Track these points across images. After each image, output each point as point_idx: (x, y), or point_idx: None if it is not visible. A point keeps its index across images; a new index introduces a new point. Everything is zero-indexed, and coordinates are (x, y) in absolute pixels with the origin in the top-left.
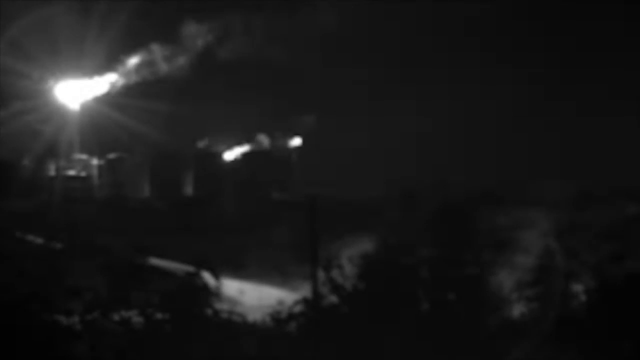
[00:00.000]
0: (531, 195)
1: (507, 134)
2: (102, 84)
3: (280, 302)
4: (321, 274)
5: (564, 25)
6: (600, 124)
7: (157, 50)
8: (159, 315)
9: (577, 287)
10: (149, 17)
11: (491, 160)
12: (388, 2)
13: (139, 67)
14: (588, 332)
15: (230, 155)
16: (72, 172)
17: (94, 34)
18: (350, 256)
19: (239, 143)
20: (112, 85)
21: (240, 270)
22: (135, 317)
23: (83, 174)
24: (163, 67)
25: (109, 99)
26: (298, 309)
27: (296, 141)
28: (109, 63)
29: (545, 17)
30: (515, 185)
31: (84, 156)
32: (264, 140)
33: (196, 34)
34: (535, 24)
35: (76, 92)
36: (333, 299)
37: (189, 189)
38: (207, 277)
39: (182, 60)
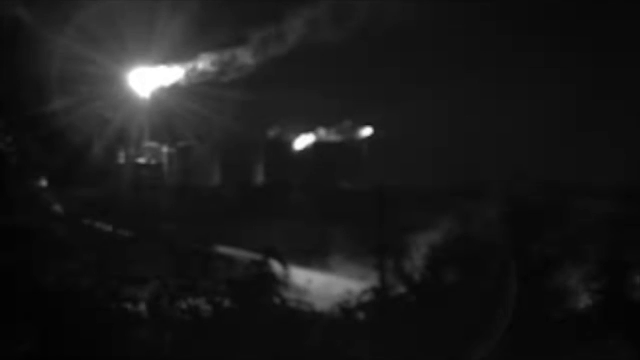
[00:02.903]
0: (596, 187)
1: (578, 126)
2: (174, 72)
3: (349, 292)
4: (390, 264)
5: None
6: None
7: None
8: (226, 304)
9: None
10: None
11: (560, 152)
12: None
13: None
14: None
15: (301, 144)
16: (142, 160)
17: (166, 22)
18: (419, 246)
19: (310, 132)
20: (188, 73)
21: (308, 259)
22: (203, 305)
23: (153, 162)
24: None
25: (180, 87)
26: (366, 298)
27: (367, 131)
28: (182, 52)
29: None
30: (580, 177)
31: (154, 144)
32: (335, 130)
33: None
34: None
35: (147, 79)
36: (401, 289)
37: (259, 178)
38: (275, 265)
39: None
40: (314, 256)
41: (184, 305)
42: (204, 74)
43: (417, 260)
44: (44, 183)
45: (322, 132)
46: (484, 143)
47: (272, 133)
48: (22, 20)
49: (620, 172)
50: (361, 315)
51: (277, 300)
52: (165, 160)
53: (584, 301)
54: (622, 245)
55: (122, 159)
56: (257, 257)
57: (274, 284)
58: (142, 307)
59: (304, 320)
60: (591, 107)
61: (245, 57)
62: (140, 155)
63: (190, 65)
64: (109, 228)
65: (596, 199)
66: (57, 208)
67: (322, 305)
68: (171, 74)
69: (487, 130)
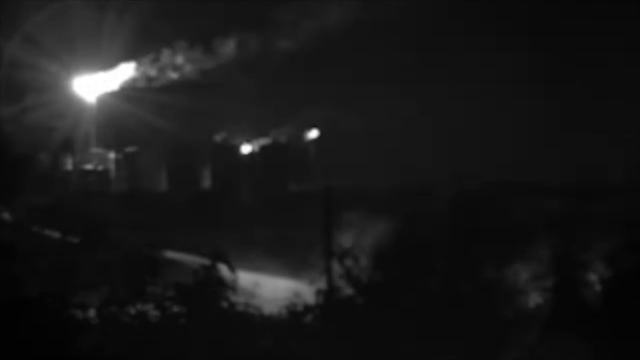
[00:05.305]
0: (545, 184)
1: (524, 123)
2: (119, 77)
3: (296, 295)
4: (336, 266)
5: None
6: (618, 112)
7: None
8: (175, 309)
9: (592, 277)
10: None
11: (507, 150)
12: None
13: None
14: (603, 321)
15: (248, 148)
16: (88, 166)
17: (111, 27)
18: (365, 247)
19: (256, 136)
20: (133, 78)
21: (256, 263)
22: (152, 311)
23: (100, 168)
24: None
25: (126, 93)
26: (314, 301)
27: (313, 133)
28: (127, 56)
29: None
30: (530, 175)
31: (100, 150)
32: (281, 132)
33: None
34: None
35: (92, 85)
36: (349, 290)
37: (206, 182)
38: (223, 269)
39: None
40: (262, 259)
41: (132, 311)
42: (147, 78)
43: (363, 261)
44: None
45: (269, 135)
46: (436, 143)
47: (218, 137)
48: None
49: (573, 170)
50: (309, 318)
51: (225, 304)
52: (111, 166)
53: (534, 299)
54: (573, 243)
55: (68, 165)
56: (205, 261)
57: (221, 287)
58: (91, 313)
59: (252, 324)
60: (545, 105)
61: (188, 62)
62: (86, 162)
63: (132, 70)
64: (57, 235)
65: (549, 197)
66: (5, 215)
67: (269, 308)
68: (115, 79)
69: (439, 131)
